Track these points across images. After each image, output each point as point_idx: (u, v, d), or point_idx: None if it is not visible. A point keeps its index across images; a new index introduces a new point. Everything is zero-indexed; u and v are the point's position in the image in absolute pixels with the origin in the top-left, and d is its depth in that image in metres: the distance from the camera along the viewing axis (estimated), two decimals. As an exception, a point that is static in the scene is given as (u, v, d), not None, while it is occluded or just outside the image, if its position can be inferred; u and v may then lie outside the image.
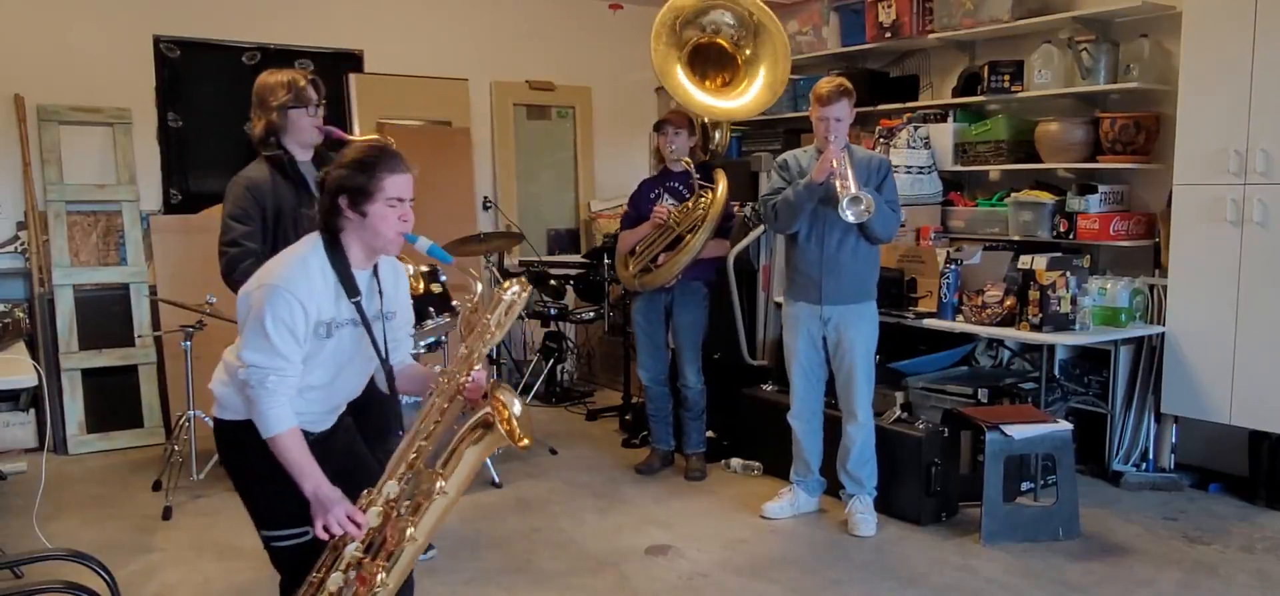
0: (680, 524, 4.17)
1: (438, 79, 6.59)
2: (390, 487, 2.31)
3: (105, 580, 2.27)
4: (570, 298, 6.44)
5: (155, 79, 5.72)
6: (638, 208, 4.81)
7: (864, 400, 4.07)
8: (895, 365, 4.76)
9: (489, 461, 4.65)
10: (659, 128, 4.74)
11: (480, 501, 4.44)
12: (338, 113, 6.05)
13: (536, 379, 6.47)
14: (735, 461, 4.90)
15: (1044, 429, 3.98)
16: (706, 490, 4.62)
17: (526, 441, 2.35)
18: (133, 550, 3.90)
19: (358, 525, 2.27)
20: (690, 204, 4.61)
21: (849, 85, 3.97)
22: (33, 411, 5.23)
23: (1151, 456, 4.63)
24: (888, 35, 5.72)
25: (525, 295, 2.43)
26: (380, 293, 2.43)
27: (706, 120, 5.03)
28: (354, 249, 2.35)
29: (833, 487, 4.26)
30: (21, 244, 5.32)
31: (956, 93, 5.54)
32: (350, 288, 2.33)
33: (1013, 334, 4.45)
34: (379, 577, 2.29)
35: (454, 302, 4.64)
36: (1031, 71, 5.09)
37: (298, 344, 2.26)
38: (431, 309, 4.31)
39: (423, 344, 4.32)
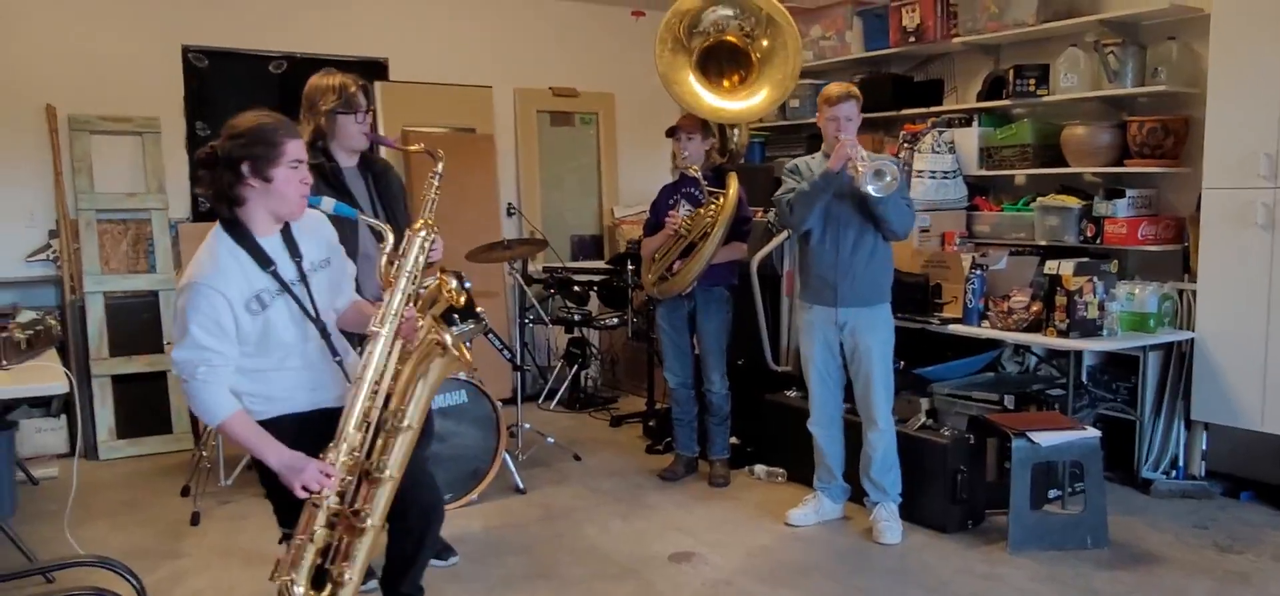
0: (704, 530, 4.17)
1: (462, 86, 6.63)
2: (352, 437, 2.38)
3: (134, 586, 2.29)
4: (594, 303, 6.45)
5: (184, 88, 5.79)
6: (657, 214, 4.81)
7: (883, 405, 4.05)
8: (920, 371, 4.73)
9: (513, 467, 4.67)
10: (672, 133, 4.74)
11: (505, 507, 4.45)
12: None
13: (561, 385, 6.48)
14: (759, 467, 4.89)
15: (1071, 436, 3.94)
16: (730, 496, 4.61)
17: (468, 357, 2.49)
18: (161, 556, 3.94)
19: (329, 476, 2.33)
20: (702, 210, 4.61)
21: (856, 89, 4.01)
22: (64, 417, 5.30)
23: (1182, 464, 4.58)
24: (912, 39, 5.69)
25: (434, 236, 2.60)
26: (297, 254, 2.46)
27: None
28: (258, 219, 2.38)
29: (857, 494, 4.24)
30: (53, 251, 5.39)
31: (981, 97, 5.51)
32: (261, 259, 2.36)
33: (1039, 340, 4.41)
34: (366, 520, 2.36)
35: (479, 309, 4.68)
36: (1057, 75, 5.05)
37: (225, 333, 2.30)
38: (456, 315, 4.34)
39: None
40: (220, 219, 2.39)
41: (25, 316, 4.07)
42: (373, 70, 6.35)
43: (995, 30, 5.25)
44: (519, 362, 5.28)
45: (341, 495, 2.39)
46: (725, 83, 4.77)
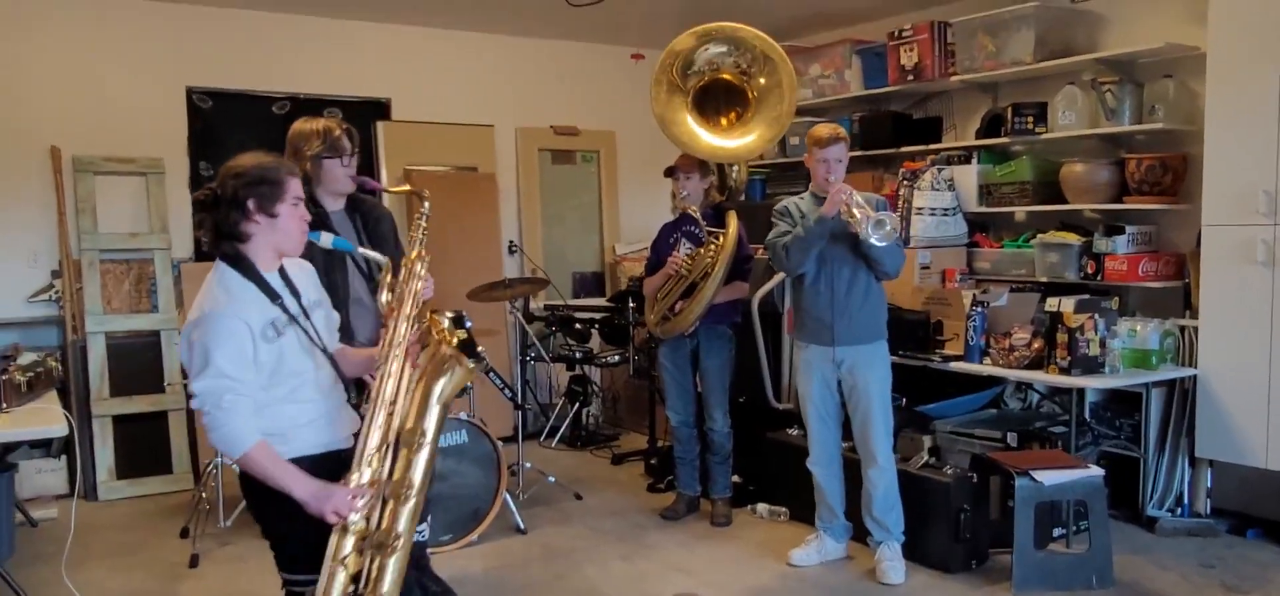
0: (705, 571, 4.14)
1: (464, 125, 6.66)
2: (373, 459, 2.38)
3: None
4: (595, 341, 6.45)
5: (188, 129, 5.83)
6: (658, 253, 4.82)
7: (883, 443, 4.04)
8: (922, 408, 4.72)
9: (514, 508, 4.65)
10: (671, 173, 4.75)
11: (505, 548, 4.43)
12: (366, 159, 6.14)
13: (562, 422, 6.47)
14: (761, 506, 4.86)
15: (1075, 474, 3.92)
16: (732, 536, 4.59)
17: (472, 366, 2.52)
18: (160, 598, 3.93)
19: (357, 498, 2.34)
20: (702, 250, 4.61)
21: (843, 131, 4.04)
22: (64, 458, 5.29)
23: (1187, 501, 4.55)
24: (910, 78, 5.73)
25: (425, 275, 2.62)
26: (295, 291, 2.48)
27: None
28: (262, 255, 2.40)
29: (860, 533, 4.22)
30: (56, 292, 5.40)
31: (980, 134, 5.54)
32: (269, 292, 2.38)
33: (1041, 377, 4.40)
34: (393, 535, 2.34)
35: (479, 348, 4.68)
36: (1055, 113, 5.08)
37: (247, 361, 2.29)
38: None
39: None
40: (223, 257, 2.40)
41: (26, 358, 4.08)
42: (375, 110, 6.40)
43: (993, 68, 5.28)
44: (520, 401, 5.27)
45: (368, 518, 2.38)
46: (722, 120, 4.79)
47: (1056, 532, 4.26)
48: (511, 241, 6.82)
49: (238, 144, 6.28)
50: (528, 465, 5.19)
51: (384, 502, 2.38)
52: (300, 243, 2.46)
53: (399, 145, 6.38)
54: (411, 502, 2.36)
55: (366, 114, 6.32)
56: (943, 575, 4.03)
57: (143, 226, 5.60)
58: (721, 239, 4.59)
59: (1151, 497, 4.56)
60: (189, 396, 2.31)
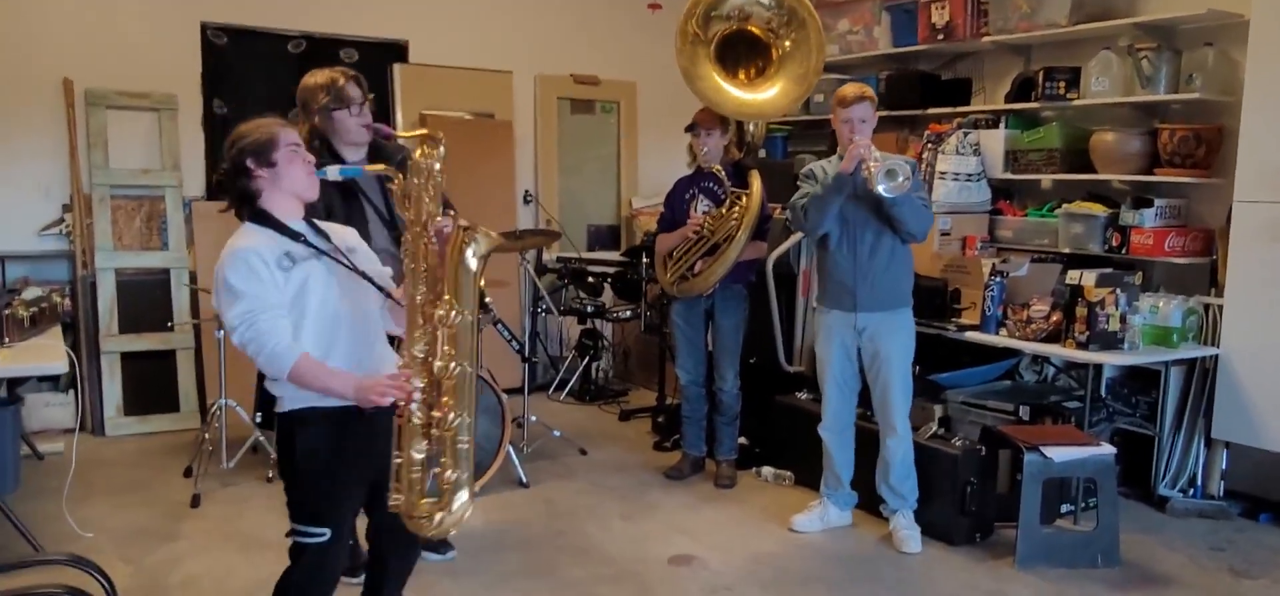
0: (707, 533, 4.10)
1: (482, 71, 6.56)
2: (418, 348, 2.39)
3: (104, 586, 2.26)
4: (608, 295, 6.39)
5: (202, 65, 5.77)
6: (673, 209, 4.73)
7: (902, 412, 3.97)
8: (935, 377, 4.63)
9: (517, 461, 4.62)
10: (691, 129, 4.64)
11: (506, 501, 4.40)
12: (382, 103, 6.04)
13: (571, 376, 6.42)
14: (766, 470, 4.81)
15: (1085, 451, 3.83)
16: (735, 499, 4.54)
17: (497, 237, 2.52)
18: (160, 537, 3.93)
19: (404, 383, 2.36)
20: (724, 210, 4.51)
21: (871, 91, 3.91)
22: (72, 392, 5.31)
23: (1200, 482, 4.45)
24: (940, 37, 5.56)
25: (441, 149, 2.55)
26: (322, 233, 2.53)
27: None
28: (277, 203, 2.47)
29: (865, 502, 4.16)
30: (66, 226, 5.39)
31: (1010, 98, 5.38)
32: (288, 232, 2.44)
33: (1057, 351, 4.29)
34: (450, 416, 2.36)
35: (488, 300, 4.62)
36: (1088, 79, 4.91)
37: (268, 284, 2.36)
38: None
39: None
40: (244, 216, 2.48)
41: (30, 293, 4.07)
42: (392, 53, 6.31)
43: (1026, 30, 5.11)
44: (528, 354, 5.22)
45: (429, 406, 2.41)
46: (742, 74, 4.67)
47: (1064, 509, 4.19)
48: (527, 191, 6.74)
49: (252, 82, 6.28)
50: (533, 418, 5.15)
51: (437, 384, 2.38)
52: (310, 181, 2.51)
53: (416, 89, 6.29)
54: (465, 378, 2.35)
55: (384, 56, 6.24)
56: (946, 547, 3.96)
57: (154, 163, 5.57)
58: (744, 199, 4.49)
59: (1164, 477, 4.46)
60: (230, 337, 2.37)
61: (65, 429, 5.18)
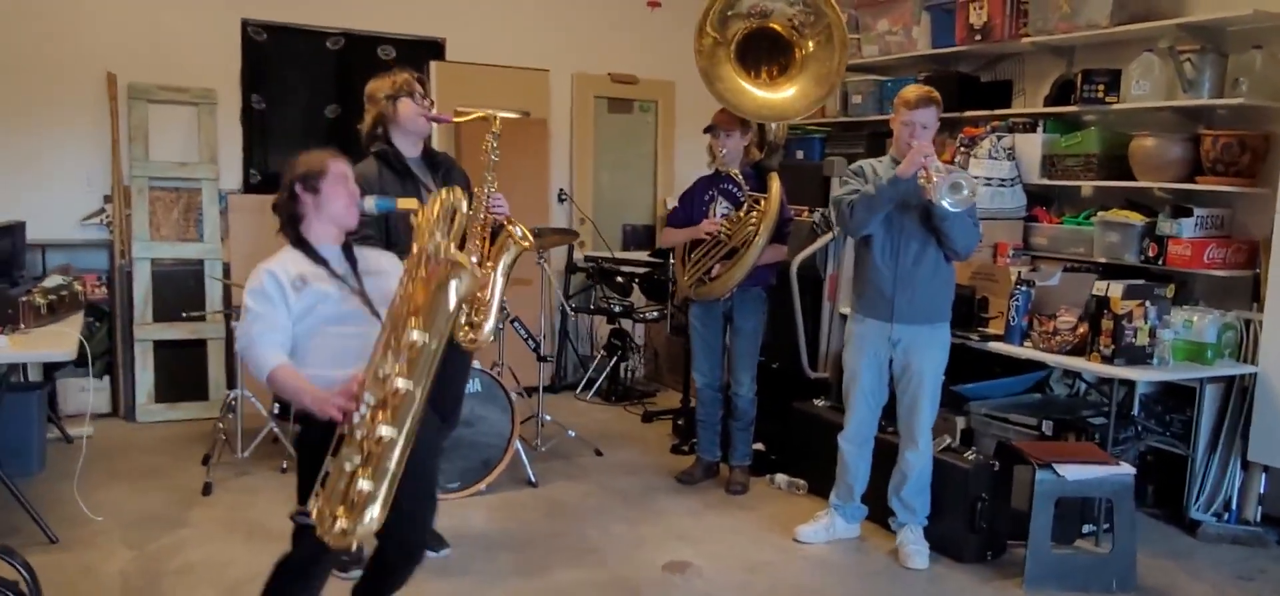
0: (708, 540, 4.03)
1: (519, 69, 6.57)
2: (382, 368, 2.39)
3: (26, 579, 2.31)
4: (637, 295, 6.34)
5: (242, 61, 5.88)
6: (687, 208, 4.66)
7: (926, 427, 3.84)
8: (959, 388, 4.48)
9: (526, 460, 4.60)
10: (710, 130, 4.57)
11: (511, 500, 4.39)
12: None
13: (599, 376, 6.40)
14: (780, 477, 4.71)
15: (1102, 471, 3.66)
16: (744, 505, 4.45)
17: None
18: (167, 524, 4.00)
19: (355, 394, 2.41)
20: (742, 213, 4.43)
21: (937, 94, 3.76)
22: (108, 378, 5.46)
23: (1235, 507, 4.22)
24: (978, 38, 5.39)
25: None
26: (352, 263, 2.71)
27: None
28: (317, 229, 2.67)
29: (875, 515, 4.04)
30: (107, 216, 5.54)
31: (1049, 101, 5.18)
32: (316, 258, 2.64)
33: (1082, 365, 4.11)
34: (382, 430, 2.33)
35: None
36: (1129, 82, 4.70)
37: (277, 302, 2.54)
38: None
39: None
40: (289, 237, 2.68)
41: (52, 281, 4.18)
42: (430, 50, 6.35)
43: (1066, 31, 4.92)
44: (543, 354, 5.20)
45: (372, 420, 2.43)
46: (764, 73, 4.58)
47: (1086, 529, 4.02)
48: (562, 189, 6.73)
49: (291, 78, 6.38)
50: (548, 418, 5.13)
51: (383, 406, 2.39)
52: (350, 213, 2.70)
53: (452, 86, 6.31)
54: (406, 399, 2.33)
55: (421, 53, 6.28)
56: (954, 564, 3.83)
57: (193, 156, 5.69)
58: (763, 203, 4.41)
59: (1197, 500, 4.25)
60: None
61: (100, 413, 5.34)
